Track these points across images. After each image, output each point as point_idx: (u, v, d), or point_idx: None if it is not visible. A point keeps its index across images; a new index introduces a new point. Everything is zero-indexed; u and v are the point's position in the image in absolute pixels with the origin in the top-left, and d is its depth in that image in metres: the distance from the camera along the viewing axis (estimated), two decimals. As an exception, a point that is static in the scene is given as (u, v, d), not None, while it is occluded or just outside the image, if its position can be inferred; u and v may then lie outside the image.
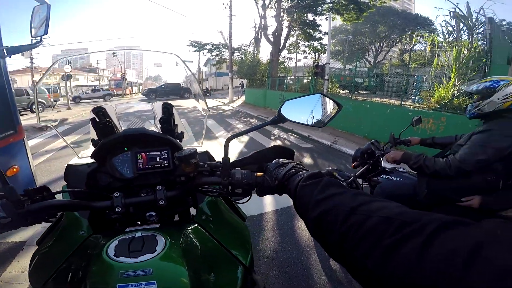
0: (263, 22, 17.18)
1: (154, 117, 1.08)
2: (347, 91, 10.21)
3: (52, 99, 14.50)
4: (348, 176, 1.99)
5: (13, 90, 2.05)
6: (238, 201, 0.73)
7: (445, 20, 7.00)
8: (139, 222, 0.73)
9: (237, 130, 7.53)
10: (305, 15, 15.96)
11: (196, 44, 20.80)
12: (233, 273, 0.65)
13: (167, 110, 0.89)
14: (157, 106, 1.00)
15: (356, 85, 9.10)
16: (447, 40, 6.77)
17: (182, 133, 0.93)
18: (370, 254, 0.30)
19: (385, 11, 24.59)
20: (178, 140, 0.87)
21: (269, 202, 2.95)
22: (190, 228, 0.68)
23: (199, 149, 0.89)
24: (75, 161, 0.89)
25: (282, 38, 16.23)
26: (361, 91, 10.20)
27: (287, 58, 17.88)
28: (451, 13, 6.82)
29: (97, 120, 0.84)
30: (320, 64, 9.40)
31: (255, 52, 18.66)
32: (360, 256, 0.32)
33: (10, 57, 1.96)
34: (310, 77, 10.49)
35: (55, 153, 5.33)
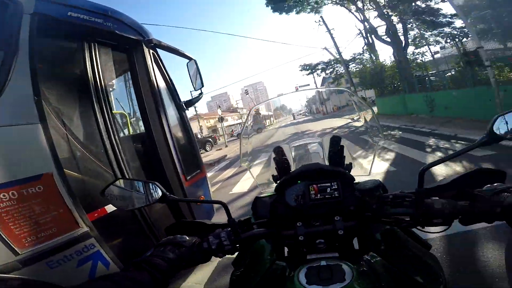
0: (368, 26, 15.44)
1: (323, 151, 1.17)
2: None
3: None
4: None
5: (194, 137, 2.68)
6: (432, 232, 0.68)
7: None
8: (304, 250, 0.76)
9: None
10: (413, 3, 13.26)
11: (307, 67, 20.64)
12: None
13: (336, 143, 0.94)
14: (326, 139, 1.09)
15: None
16: None
17: (351, 164, 0.96)
18: None
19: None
20: (347, 171, 0.89)
21: (434, 228, 2.31)
22: (369, 257, 0.67)
23: (369, 178, 0.89)
24: (260, 194, 1.04)
25: (400, 35, 13.95)
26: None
27: (419, 54, 14.86)
28: None
29: (277, 159, 0.97)
30: (469, 50, 7.21)
31: (374, 58, 16.68)
32: None
33: (188, 109, 2.56)
34: (460, 68, 8.11)
35: (222, 183, 6.77)
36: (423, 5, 13.66)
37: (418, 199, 0.62)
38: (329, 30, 17.82)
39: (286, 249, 0.84)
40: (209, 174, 8.41)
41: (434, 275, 0.67)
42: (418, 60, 14.62)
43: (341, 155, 0.94)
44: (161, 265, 0.61)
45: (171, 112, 2.37)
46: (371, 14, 15.33)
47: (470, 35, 7.85)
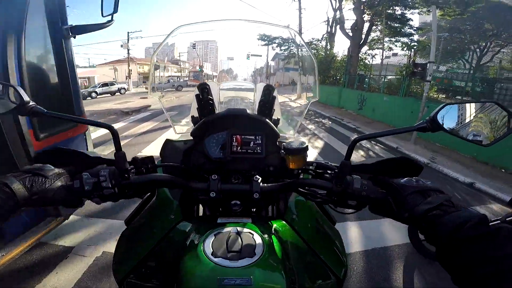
0: (338, 15, 15.74)
1: (254, 98, 1.10)
2: (443, 96, 8.78)
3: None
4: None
5: (78, 77, 1.82)
6: (340, 211, 0.62)
7: None
8: (220, 210, 0.74)
9: (307, 131, 6.83)
10: (392, 8, 13.85)
11: (265, 38, 20.38)
12: (325, 285, 0.60)
13: (269, 92, 0.86)
14: (259, 87, 1.00)
15: (455, 90, 7.44)
16: None
17: (278, 119, 0.91)
18: None
19: (492, 6, 19.08)
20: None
21: (355, 241, 2.29)
22: (280, 226, 0.63)
23: (293, 139, 0.88)
24: (172, 136, 0.89)
25: (363, 33, 14.52)
26: (459, 97, 8.37)
27: (369, 55, 15.84)
28: None
29: (201, 96, 0.83)
30: (419, 62, 7.84)
31: (328, 47, 17.24)
32: None
33: (74, 37, 1.75)
34: (401, 77, 8.83)
35: (133, 139, 5.51)
36: (400, 12, 14.14)
37: (341, 172, 0.56)
38: (300, 9, 18.10)
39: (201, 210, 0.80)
40: (120, 125, 7.01)
41: (338, 255, 0.65)
42: (367, 61, 15.58)
43: (271, 106, 0.87)
44: None
45: (40, 36, 1.61)
46: (347, 6, 15.47)
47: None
